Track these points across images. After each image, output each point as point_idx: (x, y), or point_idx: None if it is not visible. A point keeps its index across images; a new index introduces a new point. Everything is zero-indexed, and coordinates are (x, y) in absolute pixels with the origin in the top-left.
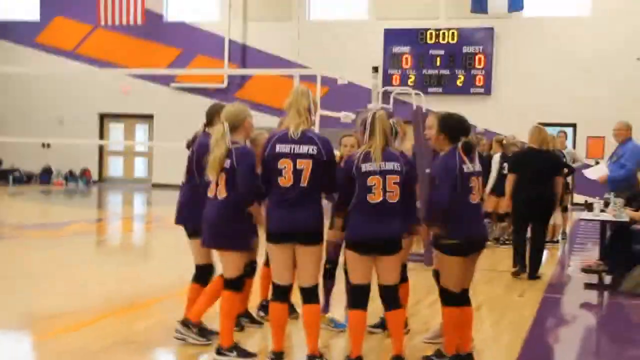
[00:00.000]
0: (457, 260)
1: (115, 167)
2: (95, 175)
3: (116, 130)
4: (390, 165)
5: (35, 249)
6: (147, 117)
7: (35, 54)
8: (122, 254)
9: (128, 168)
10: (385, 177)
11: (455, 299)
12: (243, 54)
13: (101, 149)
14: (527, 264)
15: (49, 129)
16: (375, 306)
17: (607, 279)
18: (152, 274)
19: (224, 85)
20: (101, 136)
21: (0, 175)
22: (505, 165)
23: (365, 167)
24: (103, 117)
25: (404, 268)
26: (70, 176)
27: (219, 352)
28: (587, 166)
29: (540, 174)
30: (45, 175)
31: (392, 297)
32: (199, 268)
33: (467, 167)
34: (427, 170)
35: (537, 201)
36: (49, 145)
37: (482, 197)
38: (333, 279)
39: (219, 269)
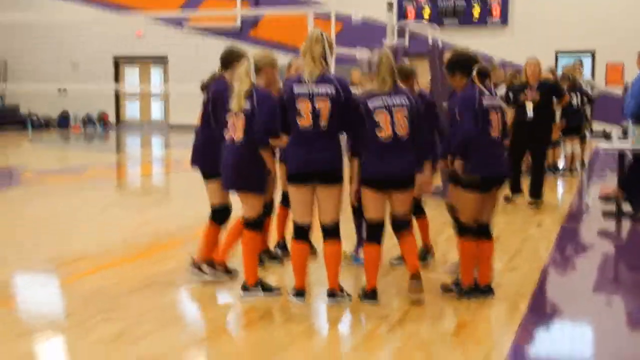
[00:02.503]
0: (474, 196)
1: (132, 110)
2: (112, 119)
3: (131, 73)
4: (397, 100)
5: (55, 194)
6: (162, 59)
7: (47, 1)
8: (141, 197)
9: (145, 110)
10: (393, 110)
11: (470, 231)
12: None
13: (117, 93)
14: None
15: (65, 74)
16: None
17: (626, 207)
18: (171, 216)
19: (237, 25)
20: (116, 79)
21: (19, 121)
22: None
23: (372, 103)
24: (118, 61)
25: (419, 202)
26: (87, 120)
27: (245, 289)
28: (605, 95)
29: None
30: (63, 120)
31: (403, 225)
32: (215, 209)
33: (486, 99)
34: (444, 104)
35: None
36: (65, 91)
37: (505, 132)
38: (362, 215)
39: (235, 210)
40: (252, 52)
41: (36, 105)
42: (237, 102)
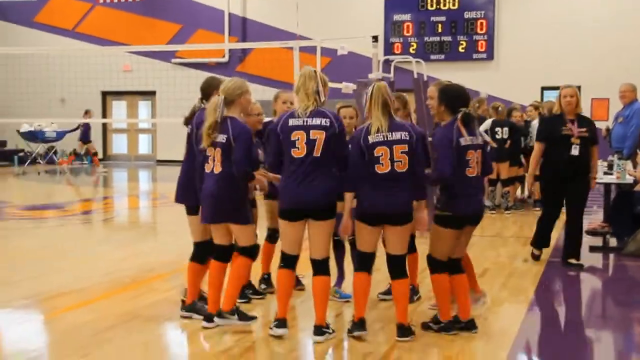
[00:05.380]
0: (449, 232)
1: (119, 145)
2: (100, 153)
3: (119, 107)
4: (397, 135)
5: (40, 228)
6: (149, 94)
7: (34, 34)
8: (127, 231)
9: (132, 145)
10: (392, 147)
11: (442, 266)
12: (243, 27)
13: (105, 127)
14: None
15: (52, 108)
16: (385, 274)
17: (612, 242)
18: (157, 250)
19: (225, 59)
20: (104, 114)
21: (6, 156)
22: (499, 130)
23: (372, 138)
24: (105, 95)
25: (412, 238)
26: (75, 155)
27: (220, 315)
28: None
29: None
30: (51, 156)
31: (399, 267)
32: (197, 246)
33: (465, 139)
34: (429, 139)
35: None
36: (52, 125)
37: (486, 169)
38: (343, 249)
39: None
40: (222, 84)
41: (24, 141)
42: (205, 139)
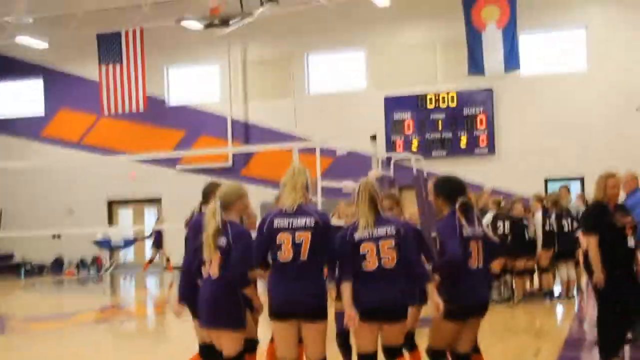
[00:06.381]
0: (450, 325)
1: (127, 252)
2: (107, 262)
3: (125, 215)
4: (383, 231)
5: (45, 340)
6: (155, 201)
7: (42, 148)
8: (134, 339)
9: (139, 252)
10: (379, 242)
11: (441, 357)
12: (246, 132)
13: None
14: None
15: (59, 219)
16: None
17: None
18: (164, 357)
19: (229, 164)
20: (110, 222)
21: (13, 268)
22: (500, 224)
23: (357, 235)
24: (111, 204)
25: (412, 336)
26: (81, 265)
27: None
28: None
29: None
30: (57, 266)
31: (394, 352)
32: (201, 348)
33: (466, 231)
34: (433, 234)
35: None
36: (59, 236)
37: (488, 260)
38: (350, 350)
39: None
40: (218, 190)
41: (30, 251)
42: (207, 249)
